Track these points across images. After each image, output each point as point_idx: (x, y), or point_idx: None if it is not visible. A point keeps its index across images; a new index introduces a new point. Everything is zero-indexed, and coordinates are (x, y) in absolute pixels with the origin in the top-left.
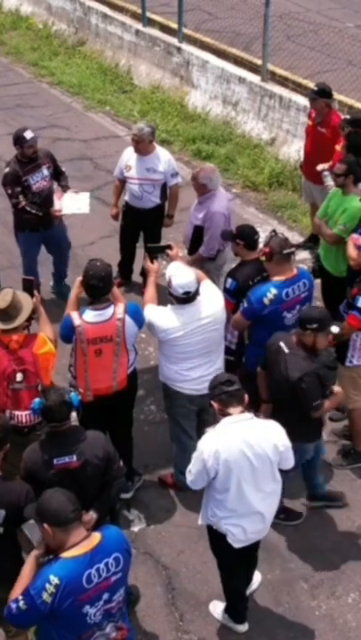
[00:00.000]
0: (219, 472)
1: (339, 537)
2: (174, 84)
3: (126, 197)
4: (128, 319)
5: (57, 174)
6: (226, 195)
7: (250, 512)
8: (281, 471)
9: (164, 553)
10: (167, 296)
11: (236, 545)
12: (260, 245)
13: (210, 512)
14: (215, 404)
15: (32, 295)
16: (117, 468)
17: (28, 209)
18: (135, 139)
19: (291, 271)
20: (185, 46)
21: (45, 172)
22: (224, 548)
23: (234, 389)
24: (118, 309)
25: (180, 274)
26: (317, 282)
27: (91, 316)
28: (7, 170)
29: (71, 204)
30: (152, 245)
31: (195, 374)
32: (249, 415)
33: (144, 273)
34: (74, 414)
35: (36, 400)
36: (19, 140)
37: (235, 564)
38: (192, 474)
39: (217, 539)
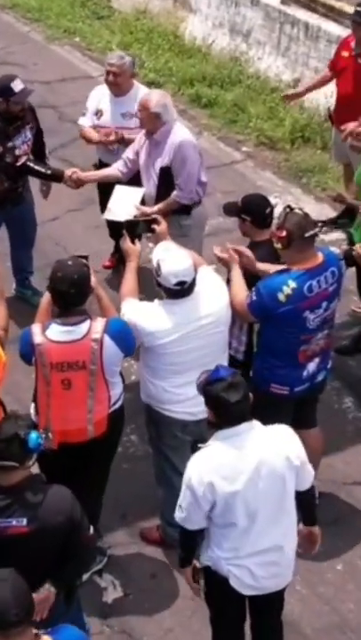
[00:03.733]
0: (216, 502)
1: None
2: (166, 8)
3: (98, 152)
4: (108, 341)
5: (37, 140)
6: (186, 129)
7: (260, 550)
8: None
9: (148, 632)
10: (154, 288)
11: (244, 591)
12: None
13: (208, 552)
14: (209, 411)
15: None
16: (85, 537)
17: (32, 165)
18: (113, 71)
19: (315, 258)
20: None
21: (28, 134)
22: (224, 597)
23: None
24: (95, 326)
25: (171, 258)
26: (351, 271)
27: (57, 332)
28: None
29: (123, 202)
30: (131, 220)
31: (189, 392)
32: (248, 424)
33: (122, 258)
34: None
35: None
36: (3, 92)
37: (235, 617)
38: (183, 509)
39: (216, 585)
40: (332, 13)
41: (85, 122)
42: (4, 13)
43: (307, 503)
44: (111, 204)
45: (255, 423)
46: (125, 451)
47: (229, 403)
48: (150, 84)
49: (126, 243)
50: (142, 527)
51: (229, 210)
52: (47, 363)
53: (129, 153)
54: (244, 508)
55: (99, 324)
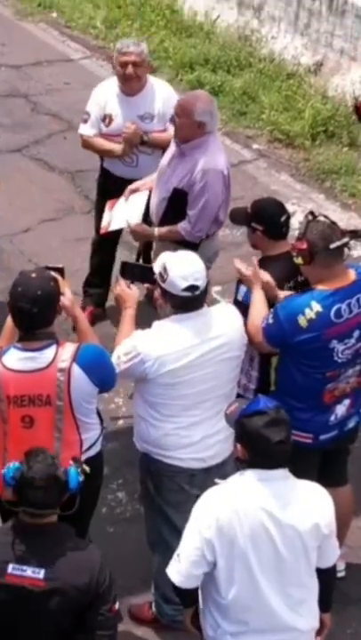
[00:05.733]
0: (217, 554)
1: None
2: None
3: (106, 164)
4: (77, 371)
5: None
6: (221, 143)
7: (274, 626)
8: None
9: None
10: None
11: None
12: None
13: (210, 621)
14: (241, 449)
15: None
16: (110, 611)
17: None
18: (133, 60)
19: (344, 276)
20: None
21: None
22: None
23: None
24: (63, 353)
25: (180, 258)
26: None
27: (16, 359)
28: None
29: (123, 213)
30: (131, 263)
31: (197, 434)
32: (283, 472)
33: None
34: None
35: (13, 464)
36: None
37: None
38: (181, 558)
39: None
40: None
41: (88, 130)
42: None
43: (324, 584)
44: (113, 218)
45: (289, 474)
46: (111, 511)
47: (271, 442)
48: None
49: (120, 287)
50: (131, 603)
51: (237, 217)
52: (3, 395)
53: None
54: (248, 567)
55: (67, 350)
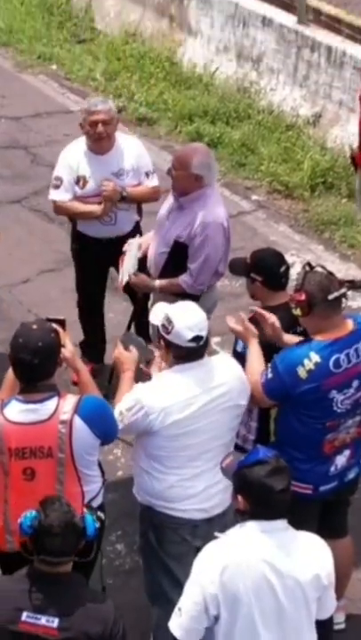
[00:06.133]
0: (221, 608)
1: None
2: (160, 30)
3: (80, 227)
4: (79, 423)
5: None
6: (220, 195)
7: None
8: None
9: None
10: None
11: None
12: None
13: None
14: (242, 500)
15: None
16: None
17: None
18: (102, 119)
19: (343, 326)
20: None
21: None
22: None
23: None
24: (65, 405)
25: (183, 309)
26: None
27: (18, 411)
28: None
29: (129, 264)
30: (127, 338)
31: (200, 485)
32: (283, 523)
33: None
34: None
35: (29, 514)
36: None
37: None
38: (182, 612)
39: None
40: (359, 35)
41: (62, 196)
42: None
43: (322, 637)
44: (124, 271)
45: (288, 524)
46: (109, 563)
47: (274, 491)
48: (142, 121)
49: (118, 350)
50: None
51: (236, 268)
52: (5, 448)
53: None
54: (251, 621)
55: (69, 402)
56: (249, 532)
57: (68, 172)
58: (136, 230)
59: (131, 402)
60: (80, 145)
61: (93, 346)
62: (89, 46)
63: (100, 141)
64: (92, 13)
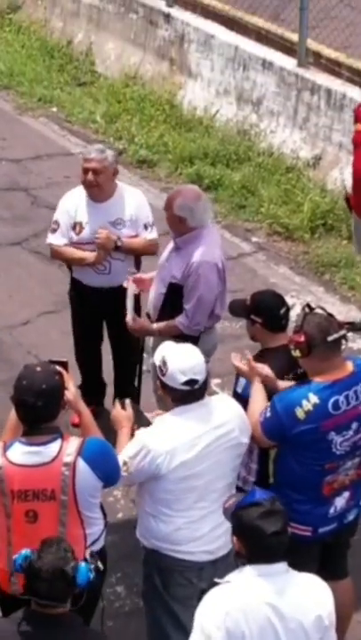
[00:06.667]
0: None
1: None
2: (160, 73)
3: (76, 274)
4: (82, 465)
5: None
6: (218, 237)
7: None
8: None
9: None
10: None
11: None
12: (292, 324)
13: None
14: (237, 542)
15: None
16: None
17: None
18: (93, 167)
19: (343, 368)
20: (177, 12)
21: None
22: None
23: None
24: (68, 447)
25: (179, 352)
26: None
27: (20, 453)
28: None
29: (129, 304)
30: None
31: (206, 526)
32: (282, 565)
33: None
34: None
35: (24, 552)
36: None
37: None
38: None
39: None
40: (359, 78)
41: (58, 240)
42: None
43: None
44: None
45: (287, 566)
46: (109, 605)
47: (265, 534)
48: (142, 163)
49: (115, 409)
50: None
51: (236, 309)
52: (7, 490)
53: None
54: None
55: (72, 444)
56: (249, 576)
57: (65, 217)
58: None
59: (135, 448)
60: (81, 191)
61: (93, 388)
62: (89, 89)
63: (89, 189)
64: (93, 56)
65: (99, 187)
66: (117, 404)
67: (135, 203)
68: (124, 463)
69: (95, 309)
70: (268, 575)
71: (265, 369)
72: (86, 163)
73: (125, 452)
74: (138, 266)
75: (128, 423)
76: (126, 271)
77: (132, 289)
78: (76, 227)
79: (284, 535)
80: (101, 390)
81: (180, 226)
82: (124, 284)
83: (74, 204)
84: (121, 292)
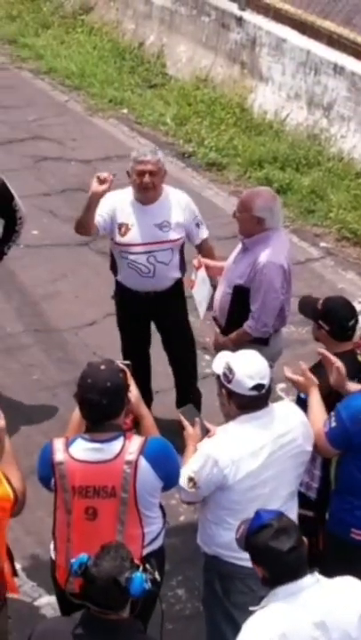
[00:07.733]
0: None
1: None
2: (231, 76)
3: (120, 277)
4: (144, 464)
5: (7, 226)
6: (287, 240)
7: None
8: None
9: None
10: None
11: None
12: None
13: None
14: (258, 568)
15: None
16: None
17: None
18: (150, 170)
19: None
20: (249, 15)
21: None
22: None
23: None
24: (130, 445)
25: (244, 357)
26: None
27: (83, 449)
28: None
29: (201, 296)
30: (187, 411)
31: None
32: (311, 578)
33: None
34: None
35: (80, 557)
36: None
37: None
38: None
39: None
40: None
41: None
42: (38, 79)
43: None
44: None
45: (319, 576)
46: (170, 608)
47: (282, 552)
48: (211, 166)
49: (187, 428)
50: None
51: (306, 309)
52: (69, 486)
53: None
54: None
55: (135, 442)
56: (279, 598)
57: (111, 217)
58: (177, 288)
59: (201, 460)
60: (126, 193)
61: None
62: (160, 91)
63: (145, 191)
64: (164, 59)
65: (154, 189)
66: (183, 420)
67: (182, 205)
68: (190, 479)
69: (141, 315)
70: (298, 592)
71: (338, 362)
72: (142, 165)
73: (189, 467)
74: (183, 269)
75: (194, 442)
76: (169, 275)
77: (201, 275)
78: (122, 228)
79: (302, 547)
80: (148, 398)
81: (256, 227)
82: (194, 266)
83: (118, 205)
84: (167, 294)
